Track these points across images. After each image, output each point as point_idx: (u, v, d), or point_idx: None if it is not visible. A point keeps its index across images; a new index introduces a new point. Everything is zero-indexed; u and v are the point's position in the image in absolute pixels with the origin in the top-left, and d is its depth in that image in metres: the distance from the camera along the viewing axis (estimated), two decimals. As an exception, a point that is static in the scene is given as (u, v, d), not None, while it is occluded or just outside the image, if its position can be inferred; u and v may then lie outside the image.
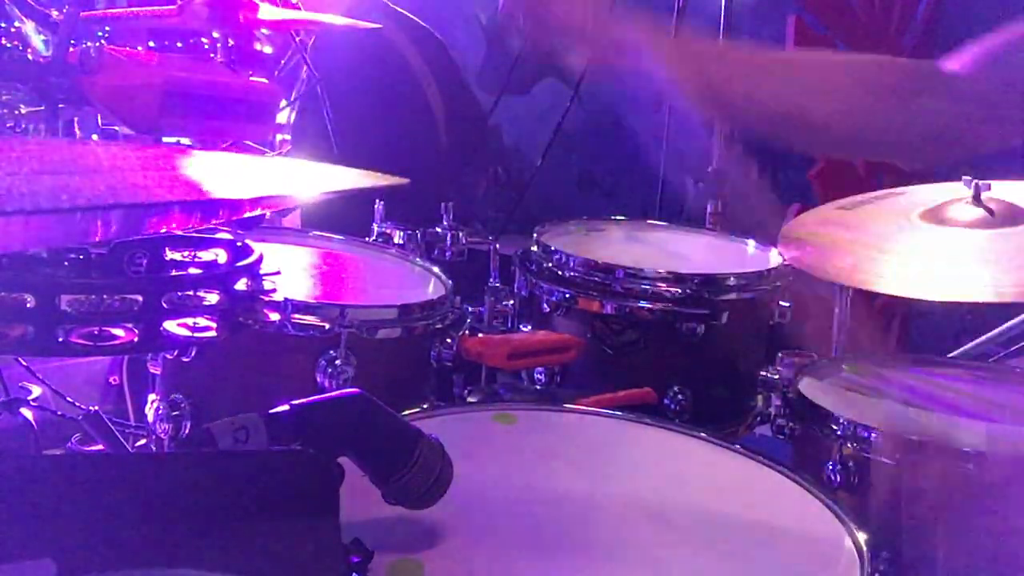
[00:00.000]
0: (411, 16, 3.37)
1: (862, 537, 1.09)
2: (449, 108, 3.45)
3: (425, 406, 1.37)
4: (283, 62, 2.97)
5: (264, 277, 1.19)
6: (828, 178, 3.33)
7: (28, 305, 0.99)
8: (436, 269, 1.80)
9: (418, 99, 3.37)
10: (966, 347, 2.60)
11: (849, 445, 1.41)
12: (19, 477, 0.79)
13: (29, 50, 1.82)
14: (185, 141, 2.05)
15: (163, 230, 1.05)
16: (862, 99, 1.18)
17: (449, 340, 1.60)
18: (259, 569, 0.83)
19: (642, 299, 1.77)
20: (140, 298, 1.04)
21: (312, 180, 0.98)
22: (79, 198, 0.61)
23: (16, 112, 1.76)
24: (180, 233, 1.17)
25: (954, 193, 1.70)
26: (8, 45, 1.77)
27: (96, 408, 1.62)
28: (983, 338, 2.58)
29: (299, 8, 2.63)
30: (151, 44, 2.61)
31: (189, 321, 1.08)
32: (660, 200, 3.20)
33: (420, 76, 3.36)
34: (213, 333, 1.09)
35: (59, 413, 1.87)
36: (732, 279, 1.84)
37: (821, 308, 2.70)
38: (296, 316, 1.46)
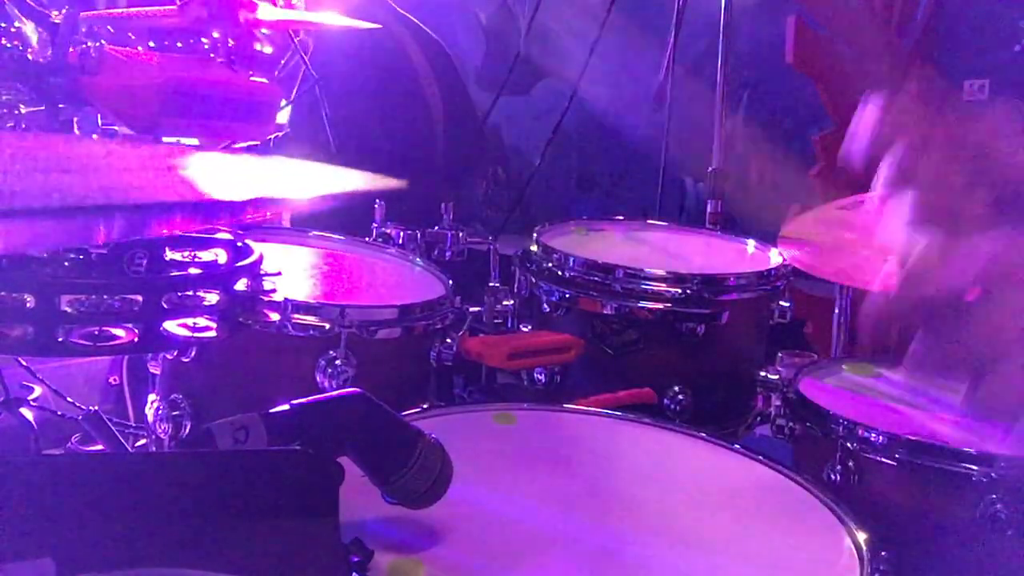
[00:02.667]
0: (414, 19, 3.38)
1: (862, 537, 1.09)
2: (448, 110, 3.44)
3: (425, 406, 1.37)
4: (283, 62, 2.97)
5: (264, 277, 1.19)
6: (828, 178, 3.33)
7: (28, 305, 0.99)
8: (436, 269, 1.80)
9: (418, 99, 3.35)
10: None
11: (849, 445, 1.41)
12: (19, 477, 0.79)
13: (29, 50, 1.82)
14: (187, 141, 2.05)
15: (164, 231, 1.04)
16: None
17: (449, 340, 1.60)
18: (259, 569, 0.83)
19: (642, 299, 1.77)
20: (140, 298, 1.04)
21: (309, 181, 0.98)
22: (72, 197, 0.61)
23: (16, 112, 1.76)
24: (180, 233, 1.17)
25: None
26: (8, 45, 1.77)
27: (96, 408, 1.62)
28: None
29: (299, 8, 2.63)
30: (151, 44, 2.61)
31: (189, 321, 1.08)
32: (660, 200, 3.19)
33: (422, 76, 3.35)
34: (213, 333, 1.09)
35: (59, 413, 1.87)
36: (732, 279, 1.84)
37: (821, 308, 2.70)
38: (296, 316, 1.46)
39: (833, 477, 1.41)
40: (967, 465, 1.34)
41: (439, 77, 3.44)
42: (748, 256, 2.08)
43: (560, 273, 1.84)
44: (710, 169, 2.71)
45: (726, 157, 2.73)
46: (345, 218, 1.93)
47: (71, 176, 0.69)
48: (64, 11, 1.71)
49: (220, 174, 0.85)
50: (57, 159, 0.75)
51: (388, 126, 3.23)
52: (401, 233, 1.91)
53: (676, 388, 1.77)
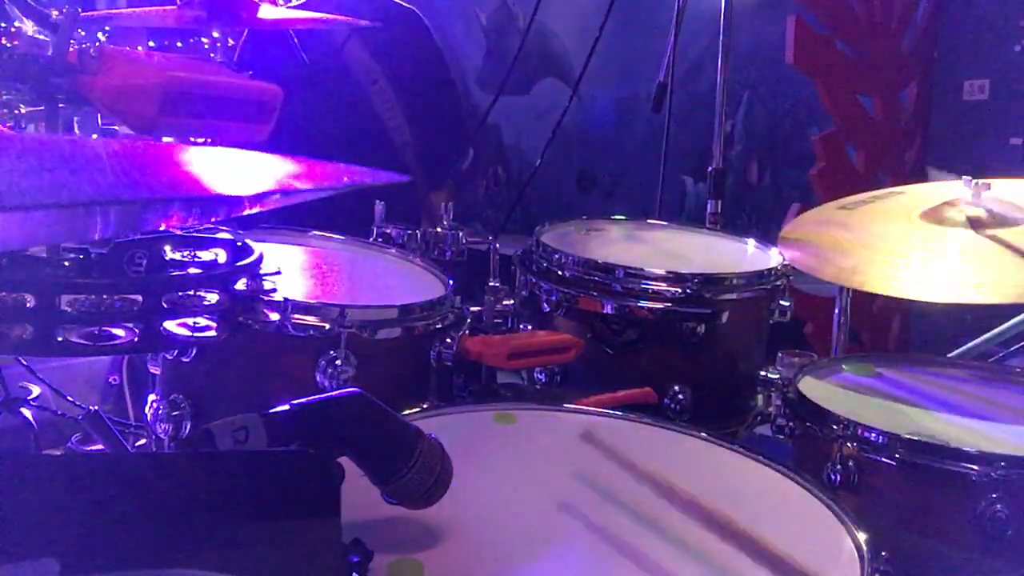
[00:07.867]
0: None
1: (862, 537, 1.09)
2: (412, 106, 2.90)
3: (425, 406, 1.37)
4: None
5: (264, 277, 1.19)
6: (828, 178, 3.33)
7: (28, 305, 0.99)
8: (436, 269, 1.80)
9: (361, 105, 2.84)
10: (966, 347, 2.60)
11: (849, 445, 1.41)
12: (19, 477, 0.79)
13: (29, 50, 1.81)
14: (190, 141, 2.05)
15: (162, 227, 1.05)
16: None
17: (449, 340, 1.60)
18: (259, 569, 0.83)
19: (642, 299, 1.77)
20: (140, 298, 1.04)
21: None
22: (81, 194, 0.61)
23: (16, 112, 1.76)
24: (180, 232, 1.17)
25: (954, 193, 1.71)
26: (8, 45, 1.77)
27: (96, 408, 1.62)
28: (983, 338, 2.58)
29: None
30: (151, 44, 2.60)
31: (189, 321, 1.08)
32: (660, 200, 3.20)
33: (361, 74, 2.82)
34: (213, 333, 1.09)
35: (59, 413, 1.87)
36: (732, 279, 1.83)
37: (821, 308, 2.70)
38: (296, 316, 1.46)
39: (833, 477, 1.41)
40: (967, 465, 1.34)
41: (390, 69, 2.86)
42: (748, 256, 2.08)
43: (560, 273, 1.83)
44: (710, 169, 2.71)
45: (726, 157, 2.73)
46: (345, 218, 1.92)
47: (78, 174, 0.69)
48: (64, 11, 1.71)
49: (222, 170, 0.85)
50: (63, 157, 0.75)
51: (328, 141, 2.69)
52: (401, 233, 1.91)
53: (676, 388, 1.77)
